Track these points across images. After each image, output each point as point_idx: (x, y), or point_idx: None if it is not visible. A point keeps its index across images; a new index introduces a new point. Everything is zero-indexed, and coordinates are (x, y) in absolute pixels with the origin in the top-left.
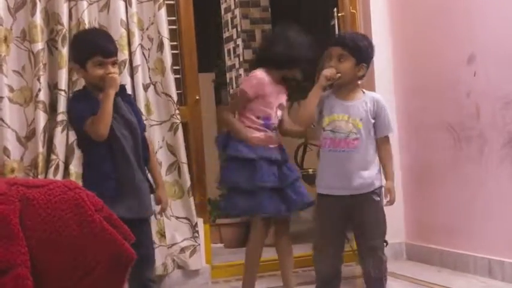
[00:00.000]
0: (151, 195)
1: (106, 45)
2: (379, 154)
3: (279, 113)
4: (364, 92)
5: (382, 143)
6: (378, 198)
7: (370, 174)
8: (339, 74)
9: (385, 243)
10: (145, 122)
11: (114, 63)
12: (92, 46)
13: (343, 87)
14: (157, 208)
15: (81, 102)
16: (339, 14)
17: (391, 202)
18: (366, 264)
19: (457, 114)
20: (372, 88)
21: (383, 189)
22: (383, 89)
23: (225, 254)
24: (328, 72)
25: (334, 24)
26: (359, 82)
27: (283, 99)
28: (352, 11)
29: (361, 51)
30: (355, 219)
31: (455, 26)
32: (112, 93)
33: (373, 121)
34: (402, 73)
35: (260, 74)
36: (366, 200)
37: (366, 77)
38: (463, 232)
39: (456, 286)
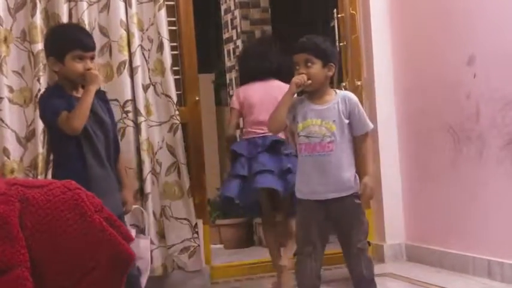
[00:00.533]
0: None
1: (86, 40)
2: (358, 152)
3: None
4: (336, 93)
5: (360, 141)
6: (359, 201)
7: (349, 177)
8: (310, 81)
9: (368, 244)
10: (145, 122)
11: (92, 58)
12: (72, 39)
13: (319, 91)
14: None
15: (54, 98)
16: (339, 15)
17: (365, 198)
18: (356, 266)
19: (456, 116)
20: (371, 89)
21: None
22: (383, 90)
23: (224, 255)
24: (297, 79)
25: (334, 25)
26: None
27: None
28: (352, 12)
29: (325, 52)
30: (337, 222)
31: (455, 27)
32: (93, 89)
33: (347, 121)
34: (402, 74)
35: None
36: (346, 203)
37: (366, 79)
38: (463, 233)
39: (455, 287)
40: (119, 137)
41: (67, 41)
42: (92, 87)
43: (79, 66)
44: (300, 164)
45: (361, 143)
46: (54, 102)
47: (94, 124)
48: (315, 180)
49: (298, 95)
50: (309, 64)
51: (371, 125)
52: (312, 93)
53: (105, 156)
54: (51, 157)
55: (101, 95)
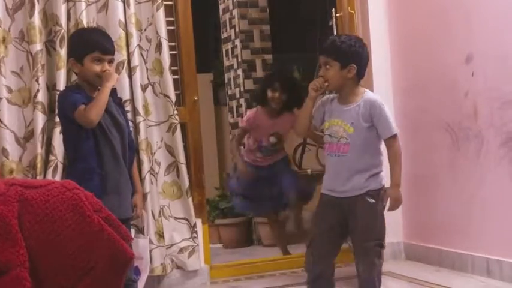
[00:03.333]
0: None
1: (105, 43)
2: (387, 156)
3: (271, 138)
4: (363, 95)
5: (387, 146)
6: (373, 201)
7: (362, 178)
8: (326, 83)
9: (381, 247)
10: (143, 122)
11: (110, 62)
12: (92, 42)
13: (342, 92)
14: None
15: (74, 93)
16: (337, 15)
17: (391, 209)
18: (357, 264)
19: (455, 114)
20: (369, 88)
21: (381, 192)
22: (381, 88)
23: (223, 254)
24: (313, 84)
25: (332, 25)
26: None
27: (279, 127)
28: (350, 11)
29: (344, 54)
30: (349, 221)
31: (453, 26)
32: (109, 86)
33: (366, 125)
34: (400, 73)
35: (249, 112)
36: (358, 201)
37: (364, 78)
38: (461, 232)
39: (454, 286)
40: None
41: (87, 43)
42: (108, 84)
43: (97, 68)
44: (326, 161)
45: (388, 148)
46: (73, 96)
47: (111, 125)
48: (333, 178)
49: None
50: (328, 66)
51: (394, 131)
52: (339, 92)
53: (122, 156)
54: (52, 156)
55: (116, 99)
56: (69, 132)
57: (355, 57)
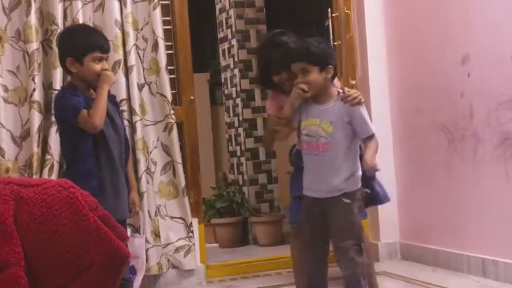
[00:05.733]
0: None
1: (104, 42)
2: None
3: None
4: (339, 93)
5: (365, 144)
6: (348, 201)
7: (340, 178)
8: (306, 89)
9: (360, 246)
10: (140, 122)
11: (107, 60)
12: (93, 41)
13: (320, 93)
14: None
15: (72, 97)
16: (333, 15)
17: (368, 169)
18: (340, 264)
19: (451, 115)
20: (366, 88)
21: (358, 193)
22: (377, 89)
23: (219, 254)
24: (295, 92)
25: (328, 25)
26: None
27: None
28: (346, 11)
29: (320, 56)
30: (328, 221)
31: (449, 27)
32: (106, 88)
33: (346, 123)
34: (396, 73)
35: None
36: (335, 203)
37: (361, 78)
38: (457, 232)
39: (450, 285)
40: None
41: (87, 42)
42: (105, 86)
43: (97, 67)
44: (304, 161)
45: (365, 145)
46: (73, 101)
47: (107, 125)
48: (312, 178)
49: None
50: (306, 72)
51: (372, 131)
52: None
53: (118, 157)
54: (49, 157)
55: (111, 98)
56: (67, 134)
57: (329, 58)
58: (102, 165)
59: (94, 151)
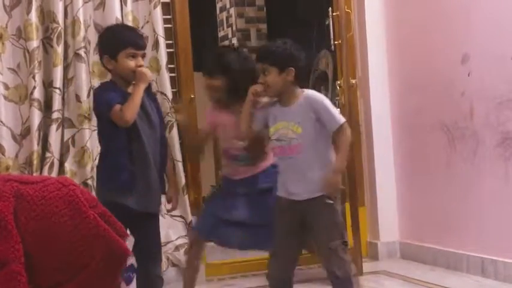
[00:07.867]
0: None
1: (138, 39)
2: (335, 147)
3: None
4: (303, 94)
5: (335, 136)
6: (331, 201)
7: (318, 178)
8: (259, 90)
9: (345, 245)
10: None
11: (143, 57)
12: (125, 38)
13: (284, 95)
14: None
15: (109, 91)
16: (334, 14)
17: (327, 192)
18: (329, 266)
19: (451, 114)
20: (366, 88)
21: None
22: (377, 88)
23: (218, 252)
24: (252, 88)
25: (329, 24)
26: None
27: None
28: (347, 10)
29: (279, 58)
30: (309, 223)
31: (450, 26)
32: (142, 87)
33: (313, 120)
34: (397, 73)
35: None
36: (318, 203)
37: (361, 77)
38: (456, 231)
39: (449, 284)
40: None
41: (120, 39)
42: (141, 84)
43: (131, 63)
44: (279, 166)
45: (335, 138)
46: (108, 95)
47: (142, 120)
48: (289, 182)
49: None
50: (266, 72)
51: (341, 120)
52: (280, 97)
53: (152, 153)
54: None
55: (150, 93)
56: (103, 128)
57: (291, 60)
58: (135, 159)
59: (127, 145)
